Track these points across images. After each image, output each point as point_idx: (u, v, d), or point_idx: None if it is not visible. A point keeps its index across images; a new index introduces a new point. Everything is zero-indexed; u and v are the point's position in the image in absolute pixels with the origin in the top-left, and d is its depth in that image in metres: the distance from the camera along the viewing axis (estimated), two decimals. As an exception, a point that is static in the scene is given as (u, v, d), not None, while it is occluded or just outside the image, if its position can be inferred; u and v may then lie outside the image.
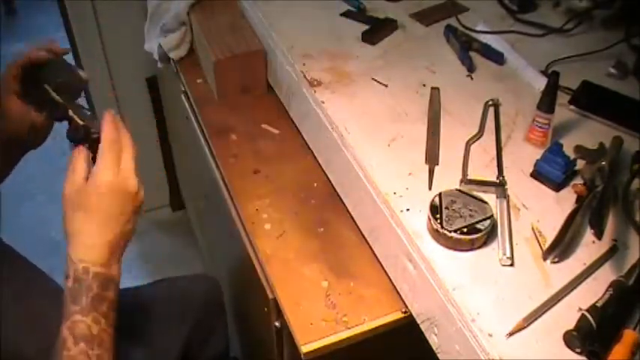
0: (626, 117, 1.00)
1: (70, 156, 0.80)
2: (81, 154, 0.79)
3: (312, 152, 1.15)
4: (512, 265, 0.80)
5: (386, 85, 1.07)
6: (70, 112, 0.85)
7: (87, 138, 0.82)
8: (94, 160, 0.79)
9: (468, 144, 0.90)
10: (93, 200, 0.76)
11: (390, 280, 0.95)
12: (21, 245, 1.06)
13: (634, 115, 1.00)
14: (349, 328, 0.92)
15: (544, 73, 1.08)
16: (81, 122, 0.84)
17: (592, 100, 1.04)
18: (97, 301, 0.75)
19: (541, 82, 1.04)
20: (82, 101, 0.94)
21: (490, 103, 0.90)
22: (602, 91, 1.06)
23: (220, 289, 1.36)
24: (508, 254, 0.80)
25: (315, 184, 1.13)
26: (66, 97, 0.89)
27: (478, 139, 0.90)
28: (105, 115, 0.81)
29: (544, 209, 0.87)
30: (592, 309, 0.72)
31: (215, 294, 1.35)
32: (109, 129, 0.79)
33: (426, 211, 0.84)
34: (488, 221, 0.82)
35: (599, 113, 1.01)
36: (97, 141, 0.79)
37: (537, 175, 0.91)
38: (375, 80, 1.09)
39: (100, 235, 0.77)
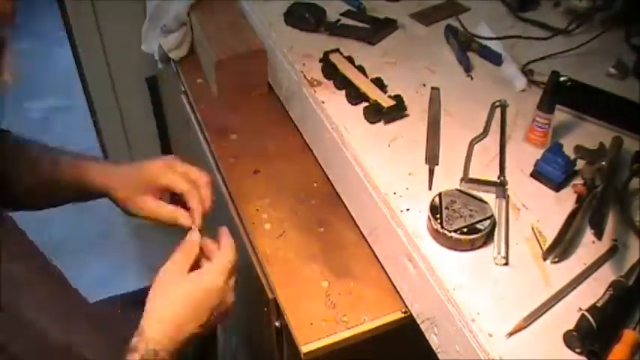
0: (613, 115, 0.98)
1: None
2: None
3: (312, 152, 1.15)
4: (506, 264, 0.80)
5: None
6: None
7: None
8: None
9: (472, 144, 0.90)
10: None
11: (390, 280, 0.95)
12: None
13: (623, 114, 0.99)
14: (349, 328, 0.92)
15: (524, 72, 1.09)
16: None
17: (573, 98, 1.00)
18: None
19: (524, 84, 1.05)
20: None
21: (497, 104, 0.90)
22: (583, 88, 1.04)
23: None
24: (503, 253, 0.80)
25: (315, 184, 1.13)
26: None
27: (482, 139, 0.90)
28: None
29: (544, 209, 0.87)
30: (592, 309, 0.72)
31: None
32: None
33: (426, 211, 0.83)
34: (488, 221, 0.82)
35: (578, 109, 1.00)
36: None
37: (537, 175, 0.91)
38: (375, 80, 1.09)
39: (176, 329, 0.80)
